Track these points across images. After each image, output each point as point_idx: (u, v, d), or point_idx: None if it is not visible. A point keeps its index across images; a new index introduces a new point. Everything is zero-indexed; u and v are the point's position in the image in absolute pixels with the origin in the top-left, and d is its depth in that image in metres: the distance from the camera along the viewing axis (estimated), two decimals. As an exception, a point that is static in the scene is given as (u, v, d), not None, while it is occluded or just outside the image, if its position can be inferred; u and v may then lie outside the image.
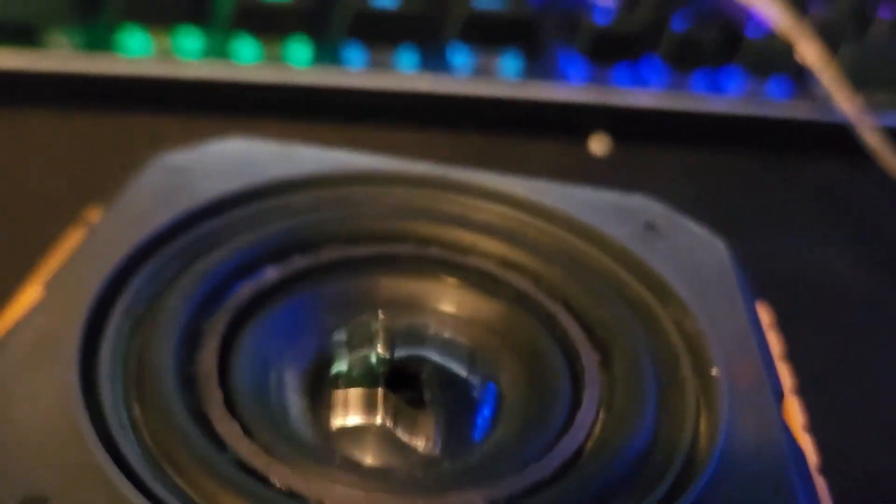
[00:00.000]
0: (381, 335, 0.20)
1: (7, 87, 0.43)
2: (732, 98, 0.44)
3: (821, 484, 0.21)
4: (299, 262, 0.25)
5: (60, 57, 0.43)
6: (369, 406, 0.21)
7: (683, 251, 0.26)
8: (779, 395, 0.22)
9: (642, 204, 0.28)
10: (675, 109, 0.44)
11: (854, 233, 0.43)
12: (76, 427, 0.18)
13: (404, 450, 0.21)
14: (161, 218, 0.24)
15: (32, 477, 0.18)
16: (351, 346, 0.21)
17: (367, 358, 0.21)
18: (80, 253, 0.23)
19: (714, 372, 0.21)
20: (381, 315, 0.21)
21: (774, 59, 0.44)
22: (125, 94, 0.43)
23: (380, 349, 0.21)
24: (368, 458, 0.21)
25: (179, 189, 0.26)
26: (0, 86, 0.43)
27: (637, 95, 0.44)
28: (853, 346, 0.37)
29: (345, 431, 0.21)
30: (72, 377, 0.19)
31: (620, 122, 0.44)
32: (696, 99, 0.44)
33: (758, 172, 0.45)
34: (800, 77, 0.45)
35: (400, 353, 0.22)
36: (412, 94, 0.43)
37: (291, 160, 0.28)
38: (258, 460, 0.19)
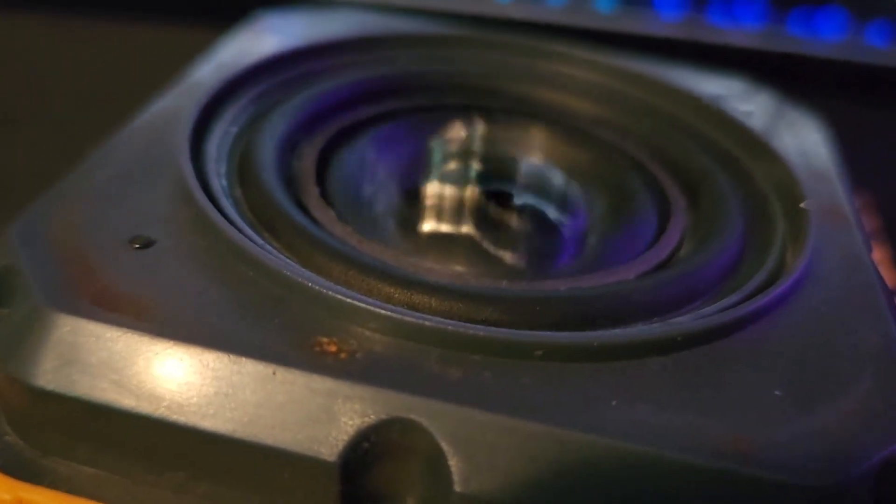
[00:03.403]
0: (479, 133, 0.21)
1: None
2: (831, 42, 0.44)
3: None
4: (395, 104, 0.26)
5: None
6: (459, 213, 0.22)
7: (777, 120, 0.26)
8: (868, 245, 0.22)
9: (739, 84, 0.28)
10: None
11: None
12: (185, 185, 0.20)
13: (490, 260, 0.22)
14: (268, 51, 0.26)
15: (140, 221, 0.19)
16: (447, 147, 0.22)
17: (461, 167, 0.22)
18: (198, 67, 0.25)
19: (803, 204, 0.21)
20: (480, 121, 0.22)
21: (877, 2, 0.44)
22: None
23: (475, 161, 0.22)
24: (456, 265, 0.22)
25: (288, 34, 0.27)
26: None
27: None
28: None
29: (433, 238, 0.22)
30: (184, 147, 0.20)
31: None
32: (793, 40, 0.44)
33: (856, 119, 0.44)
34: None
35: (492, 183, 0.23)
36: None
37: (389, 23, 0.29)
38: (351, 238, 0.20)
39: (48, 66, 0.44)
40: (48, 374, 0.17)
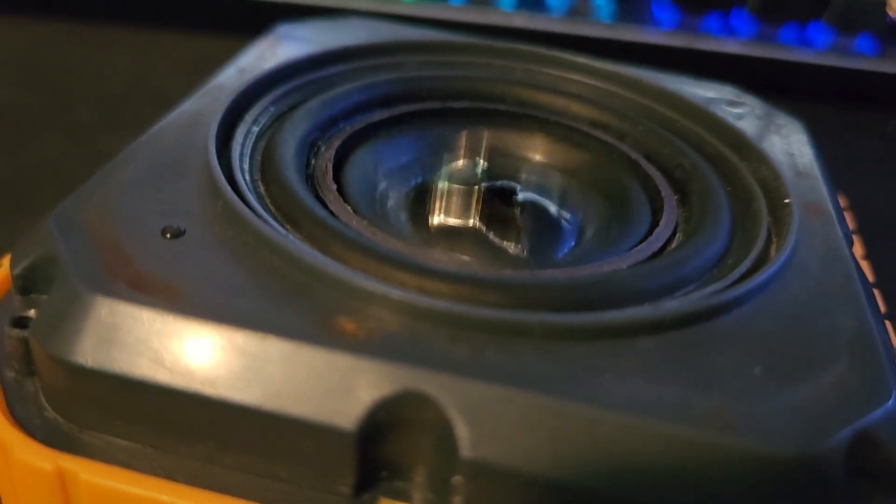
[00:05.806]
0: (484, 147, 0.23)
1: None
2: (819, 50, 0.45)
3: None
4: (405, 108, 0.27)
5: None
6: (466, 207, 0.23)
7: (764, 123, 0.28)
8: (848, 239, 0.24)
9: (730, 90, 0.30)
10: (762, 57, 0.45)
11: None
12: (213, 179, 0.21)
13: (495, 250, 0.23)
14: (287, 57, 0.27)
15: (171, 212, 0.20)
16: (454, 157, 0.23)
17: (468, 165, 0.23)
18: (222, 73, 0.26)
19: (787, 200, 0.23)
20: (486, 134, 0.23)
21: (863, 17, 0.45)
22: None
23: (481, 159, 0.23)
24: (463, 255, 0.23)
25: (305, 43, 0.29)
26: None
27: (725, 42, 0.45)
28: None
29: (442, 230, 0.23)
30: (211, 145, 0.22)
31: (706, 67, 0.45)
32: (784, 49, 0.45)
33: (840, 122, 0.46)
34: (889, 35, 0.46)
35: (497, 180, 0.24)
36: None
37: (401, 31, 0.31)
38: (367, 230, 0.21)
39: (78, 74, 0.46)
40: (87, 353, 0.18)
